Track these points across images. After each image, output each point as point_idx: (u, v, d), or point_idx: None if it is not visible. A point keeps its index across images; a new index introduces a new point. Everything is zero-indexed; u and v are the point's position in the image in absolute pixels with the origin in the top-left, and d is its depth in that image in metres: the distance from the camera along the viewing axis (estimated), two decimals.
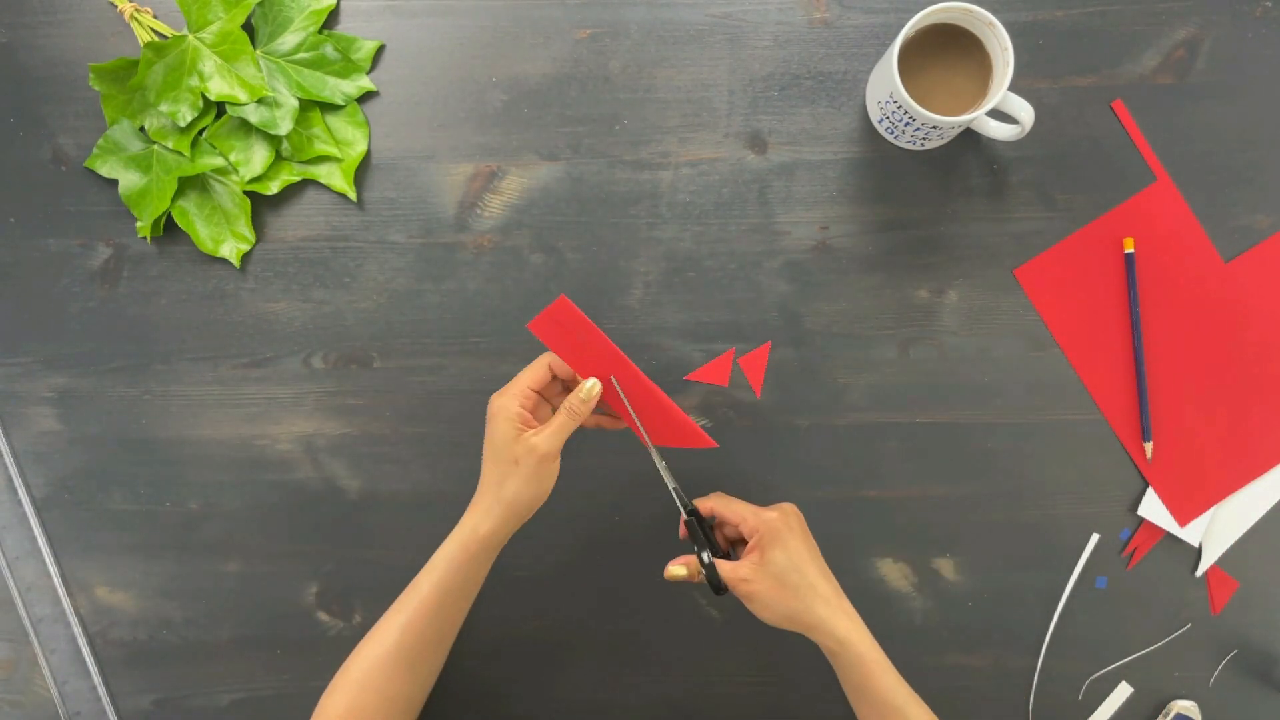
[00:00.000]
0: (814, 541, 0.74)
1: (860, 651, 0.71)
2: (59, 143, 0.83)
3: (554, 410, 0.74)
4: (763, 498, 0.78)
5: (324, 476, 0.84)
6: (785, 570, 0.71)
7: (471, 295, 0.83)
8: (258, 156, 0.81)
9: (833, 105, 0.82)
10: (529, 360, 0.82)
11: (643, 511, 0.83)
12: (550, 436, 0.71)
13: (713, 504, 0.75)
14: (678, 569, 0.73)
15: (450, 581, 0.72)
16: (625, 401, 0.73)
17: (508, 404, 0.71)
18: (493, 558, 0.73)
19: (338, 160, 0.82)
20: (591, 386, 0.72)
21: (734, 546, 0.76)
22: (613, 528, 0.83)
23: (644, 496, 0.83)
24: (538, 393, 0.73)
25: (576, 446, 0.81)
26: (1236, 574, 0.82)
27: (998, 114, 0.75)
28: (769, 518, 0.72)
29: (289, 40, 0.81)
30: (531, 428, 0.71)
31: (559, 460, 0.71)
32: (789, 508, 0.74)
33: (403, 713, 0.73)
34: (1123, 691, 0.83)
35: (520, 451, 0.71)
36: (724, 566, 0.72)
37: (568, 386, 0.75)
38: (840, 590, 0.73)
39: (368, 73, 0.82)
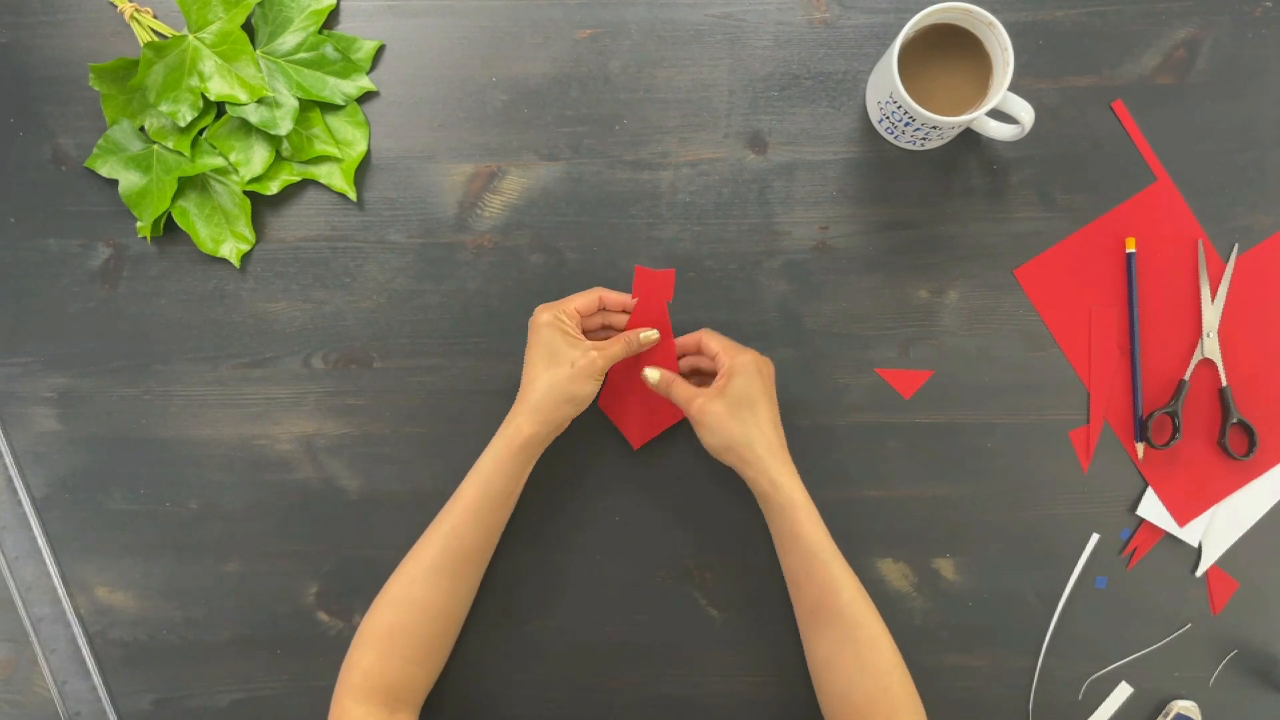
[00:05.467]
0: (775, 396, 0.77)
1: (792, 497, 0.74)
2: (59, 143, 0.83)
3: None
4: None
5: (324, 476, 0.84)
6: (739, 401, 0.75)
7: (471, 295, 0.83)
8: (258, 156, 0.81)
9: (833, 105, 0.82)
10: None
11: (642, 511, 0.83)
12: (606, 354, 0.75)
13: (700, 336, 0.78)
14: (652, 372, 0.77)
15: (494, 485, 0.75)
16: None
17: (561, 316, 0.76)
18: (532, 462, 0.77)
19: (338, 160, 0.82)
20: (650, 334, 0.78)
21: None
22: (612, 528, 0.83)
23: (643, 497, 0.83)
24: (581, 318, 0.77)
25: (577, 447, 0.82)
26: (1236, 574, 0.82)
27: (998, 114, 0.75)
28: (742, 358, 0.76)
29: (289, 40, 0.81)
30: (586, 339, 0.76)
31: (600, 383, 0.76)
32: (765, 358, 0.77)
33: (444, 631, 0.76)
34: (1123, 691, 0.83)
35: (577, 355, 0.75)
36: (684, 386, 0.77)
37: (605, 325, 0.80)
38: (786, 448, 0.76)
39: (368, 73, 0.82)
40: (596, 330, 0.81)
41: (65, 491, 0.84)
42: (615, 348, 0.76)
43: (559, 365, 0.74)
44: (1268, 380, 0.82)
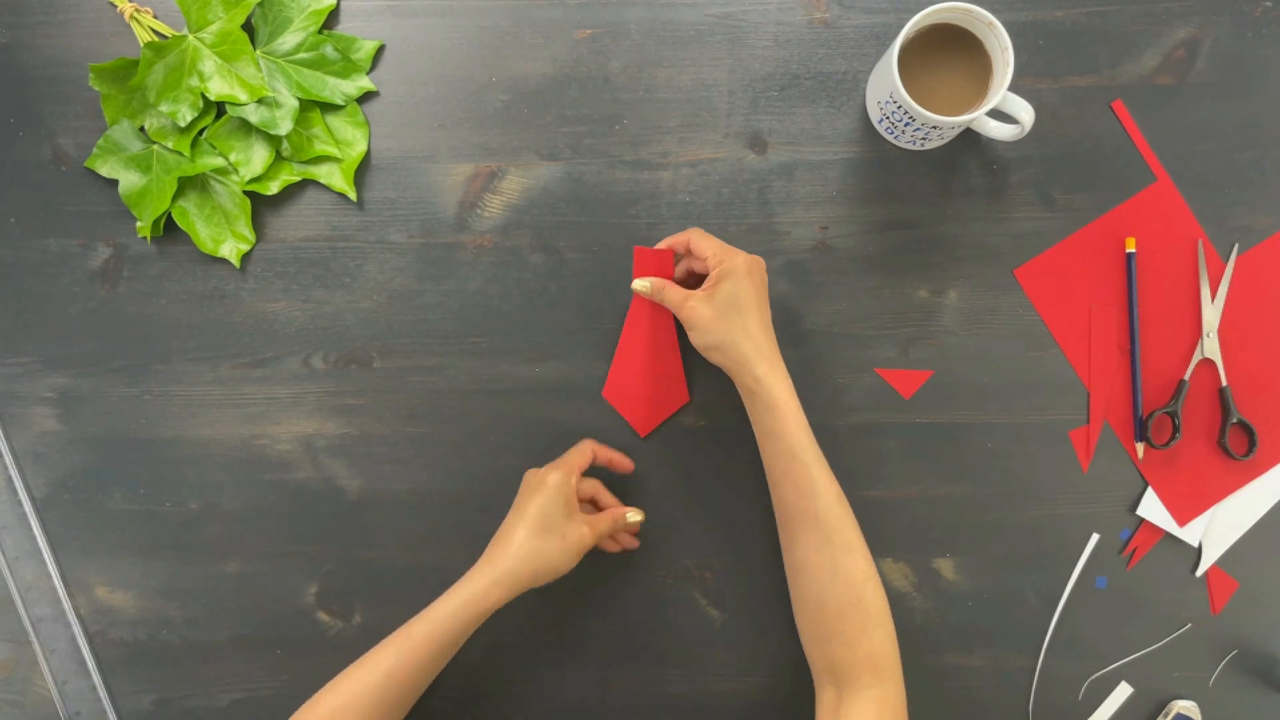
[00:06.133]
0: (767, 298, 0.77)
1: (776, 394, 0.74)
2: (59, 143, 0.83)
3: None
4: (764, 498, 0.78)
5: (324, 476, 0.84)
6: (728, 302, 0.75)
7: (471, 295, 0.83)
8: (258, 156, 0.81)
9: (833, 105, 0.82)
10: (529, 360, 0.83)
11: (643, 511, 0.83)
12: (595, 531, 0.76)
13: (689, 236, 0.77)
14: (642, 283, 0.77)
15: (446, 637, 0.73)
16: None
17: (565, 481, 0.76)
18: (485, 618, 0.75)
19: (338, 160, 0.82)
20: (636, 515, 0.79)
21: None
22: None
23: (642, 498, 0.83)
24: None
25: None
26: (1236, 574, 0.82)
27: (998, 114, 0.75)
28: (734, 261, 0.75)
29: (289, 40, 0.81)
30: (580, 510, 0.77)
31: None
32: (757, 259, 0.76)
33: None
34: (1123, 691, 0.83)
35: (570, 529, 0.75)
36: (674, 290, 0.77)
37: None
38: (777, 349, 0.76)
39: (368, 73, 0.82)
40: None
41: (65, 491, 0.84)
42: (604, 524, 0.77)
43: (550, 535, 0.74)
44: (1268, 380, 0.82)
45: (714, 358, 0.76)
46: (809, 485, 0.73)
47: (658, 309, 0.80)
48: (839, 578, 0.72)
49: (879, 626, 0.72)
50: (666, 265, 0.78)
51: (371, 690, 0.72)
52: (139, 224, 0.82)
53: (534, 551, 0.74)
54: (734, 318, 0.75)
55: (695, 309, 0.75)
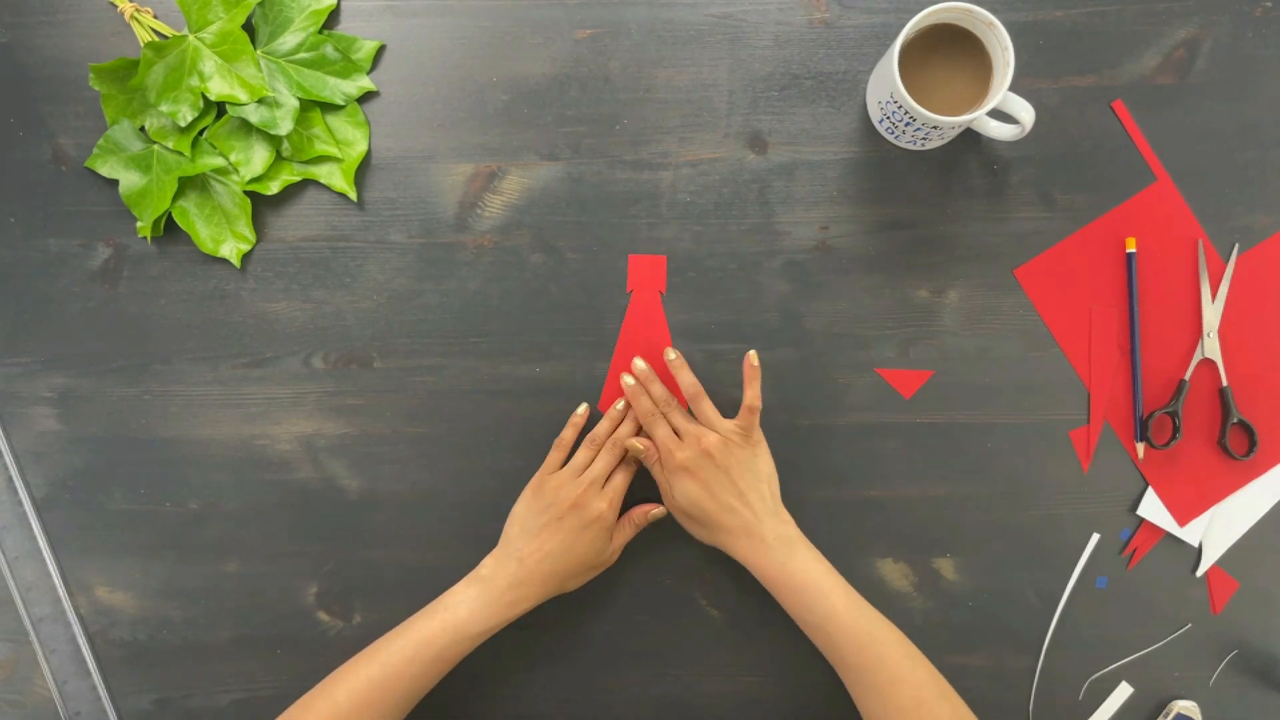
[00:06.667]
0: (721, 469, 0.76)
1: (771, 578, 0.76)
2: (59, 143, 0.83)
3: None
4: None
5: (324, 476, 0.84)
6: (686, 508, 0.77)
7: (471, 295, 0.83)
8: (258, 156, 0.81)
9: (833, 105, 0.82)
10: (529, 360, 0.83)
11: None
12: (622, 545, 0.81)
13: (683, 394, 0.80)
14: (639, 443, 0.79)
15: (450, 655, 0.76)
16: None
17: (614, 514, 0.79)
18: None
19: (338, 160, 0.82)
20: (660, 514, 0.81)
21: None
22: None
23: (642, 499, 0.83)
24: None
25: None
26: (1236, 574, 0.82)
27: (998, 114, 0.75)
28: (676, 458, 0.76)
29: (289, 40, 0.81)
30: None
31: None
32: (709, 445, 0.76)
33: None
34: (1123, 691, 0.83)
35: (605, 559, 0.80)
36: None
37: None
38: (758, 511, 0.76)
39: (368, 73, 0.82)
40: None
41: (65, 491, 0.84)
42: (629, 537, 0.81)
43: (586, 573, 0.79)
44: (1268, 380, 0.82)
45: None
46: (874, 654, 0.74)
47: (654, 316, 0.80)
48: (889, 710, 0.72)
49: None
50: (659, 272, 0.79)
51: (379, 690, 0.74)
52: (139, 224, 0.82)
53: (561, 585, 0.78)
54: (703, 519, 0.78)
55: (676, 516, 0.80)
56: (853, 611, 0.74)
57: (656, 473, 0.79)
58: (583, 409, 0.81)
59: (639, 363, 0.80)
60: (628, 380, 0.80)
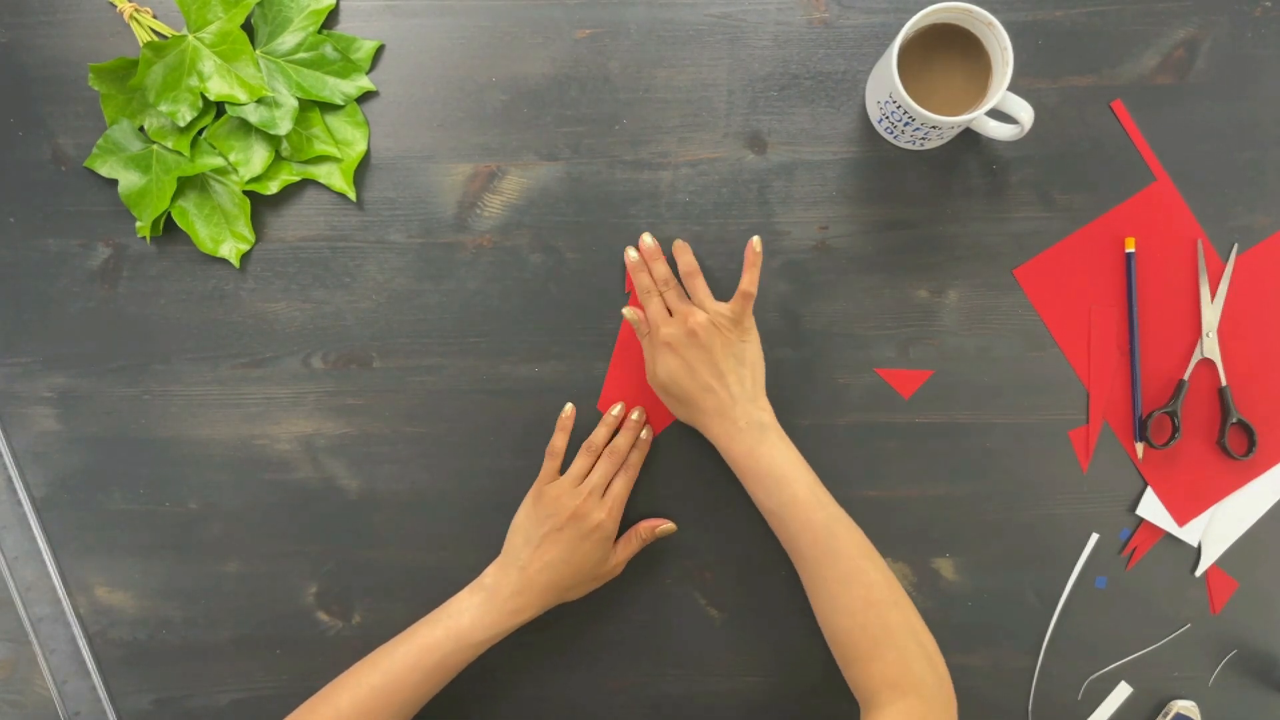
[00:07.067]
0: (703, 348, 0.76)
1: (738, 461, 0.76)
2: (59, 143, 0.83)
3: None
4: None
5: (324, 476, 0.84)
6: (665, 383, 0.77)
7: (471, 295, 0.83)
8: (257, 156, 0.81)
9: (832, 105, 0.82)
10: (529, 360, 0.83)
11: (643, 512, 0.83)
12: (625, 560, 0.81)
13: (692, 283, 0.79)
14: (633, 311, 0.79)
15: (452, 663, 0.76)
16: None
17: (614, 525, 0.79)
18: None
19: (337, 160, 0.82)
20: (667, 531, 0.82)
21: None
22: None
23: (642, 499, 0.83)
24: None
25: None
26: (1236, 574, 0.82)
27: (998, 114, 0.75)
28: (661, 332, 0.76)
29: (289, 40, 0.81)
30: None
31: None
32: (696, 325, 0.76)
33: None
34: (1122, 691, 0.83)
35: (606, 571, 0.80)
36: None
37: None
38: (735, 394, 0.76)
39: (367, 73, 0.82)
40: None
41: (65, 491, 0.84)
42: (634, 551, 0.81)
43: (589, 581, 0.79)
44: (1267, 380, 0.82)
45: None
46: (827, 537, 0.74)
47: None
48: (838, 609, 0.73)
49: (891, 647, 0.71)
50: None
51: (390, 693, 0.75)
52: (139, 224, 0.82)
53: (562, 595, 0.78)
54: (680, 395, 0.77)
55: (650, 374, 0.79)
56: (813, 502, 0.74)
57: (645, 345, 0.79)
58: (568, 410, 0.81)
59: (646, 238, 0.80)
60: (631, 254, 0.80)
